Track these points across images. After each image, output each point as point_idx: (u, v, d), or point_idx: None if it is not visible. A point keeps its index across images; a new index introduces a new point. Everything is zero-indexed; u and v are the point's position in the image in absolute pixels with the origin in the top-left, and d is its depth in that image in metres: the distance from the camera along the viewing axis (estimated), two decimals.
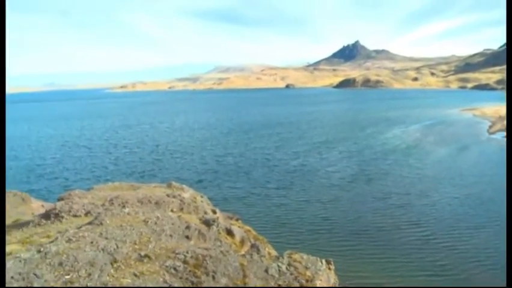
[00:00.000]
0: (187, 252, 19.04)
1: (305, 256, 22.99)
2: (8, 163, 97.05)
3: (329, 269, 23.67)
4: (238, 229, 24.94)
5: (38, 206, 38.11)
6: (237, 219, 31.80)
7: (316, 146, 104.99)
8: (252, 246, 23.35)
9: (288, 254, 22.82)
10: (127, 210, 24.34)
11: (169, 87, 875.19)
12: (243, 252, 22.49)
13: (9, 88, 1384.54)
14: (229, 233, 23.63)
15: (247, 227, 29.09)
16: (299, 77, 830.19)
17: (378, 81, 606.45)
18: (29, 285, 15.65)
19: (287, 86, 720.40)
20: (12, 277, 15.76)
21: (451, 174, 72.63)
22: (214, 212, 29.50)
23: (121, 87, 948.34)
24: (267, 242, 27.56)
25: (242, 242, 23.84)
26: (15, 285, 15.50)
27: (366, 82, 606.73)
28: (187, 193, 30.84)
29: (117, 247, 19.01)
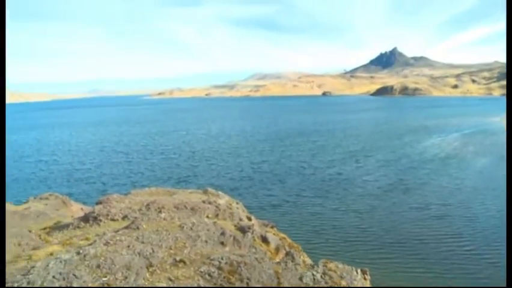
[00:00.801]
0: (222, 259, 19.12)
1: (340, 265, 22.72)
2: (49, 167, 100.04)
3: (365, 279, 23.34)
4: (273, 236, 24.90)
5: (77, 209, 39.05)
6: (272, 227, 31.72)
7: (352, 154, 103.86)
8: (287, 254, 23.27)
9: (323, 263, 22.60)
10: (163, 215, 24.66)
11: (206, 94, 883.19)
12: (277, 260, 22.43)
13: (55, 95, 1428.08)
14: (264, 240, 23.61)
15: (282, 235, 29.00)
16: (336, 84, 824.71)
17: (416, 89, 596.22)
18: (68, 285, 16.06)
19: (324, 94, 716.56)
20: (53, 276, 16.23)
21: (493, 185, 70.40)
22: (250, 219, 29.52)
23: (159, 93, 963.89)
24: (302, 250, 27.38)
25: (277, 249, 23.77)
26: (56, 285, 15.95)
27: (404, 90, 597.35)
28: (223, 199, 30.99)
29: (153, 251, 19.27)
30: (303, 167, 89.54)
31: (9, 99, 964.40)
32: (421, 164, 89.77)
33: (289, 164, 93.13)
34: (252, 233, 23.09)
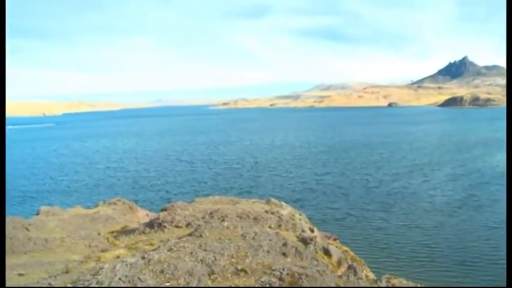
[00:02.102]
0: (283, 269, 18.96)
1: (404, 281, 21.99)
2: (117, 174, 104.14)
3: None
4: (335, 249, 24.48)
5: (143, 215, 40.23)
6: (334, 239, 31.24)
7: (419, 167, 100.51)
8: (349, 267, 22.79)
9: (387, 278, 21.96)
10: (226, 224, 24.87)
11: (270, 105, 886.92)
12: (339, 273, 22.02)
13: (122, 104, 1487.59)
14: (327, 252, 23.25)
15: (345, 248, 28.47)
16: (402, 95, 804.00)
17: (488, 100, 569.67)
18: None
19: (389, 105, 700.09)
20: (120, 278, 16.77)
21: None
22: (312, 231, 29.23)
23: (224, 103, 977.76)
24: (365, 265, 26.74)
25: (339, 262, 23.33)
26: (121, 286, 16.45)
27: (475, 100, 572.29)
28: (286, 210, 30.89)
29: (215, 259, 19.44)
30: (367, 179, 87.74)
31: (79, 109, 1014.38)
32: (493, 179, 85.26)
33: (353, 176, 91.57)
34: (314, 244, 22.81)
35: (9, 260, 25.24)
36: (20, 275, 22.17)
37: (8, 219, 34.78)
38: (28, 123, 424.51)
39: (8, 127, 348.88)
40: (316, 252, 22.41)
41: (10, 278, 21.94)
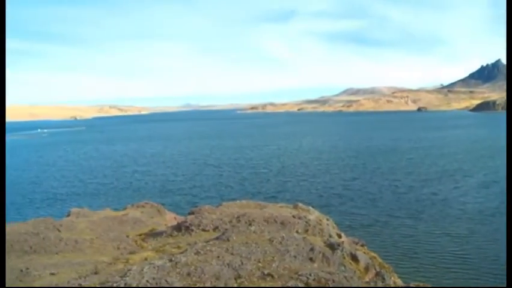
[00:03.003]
0: (310, 275, 18.86)
1: None
2: (144, 177, 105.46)
3: None
4: (363, 255, 24.19)
5: (171, 218, 40.57)
6: (362, 245, 30.89)
7: (449, 173, 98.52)
8: (377, 274, 22.51)
9: (415, 285, 21.58)
10: (253, 228, 24.87)
11: (298, 109, 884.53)
12: (367, 279, 21.78)
13: (152, 108, 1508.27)
14: (354, 258, 22.99)
15: (373, 254, 28.10)
16: (432, 99, 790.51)
17: None
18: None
19: (419, 109, 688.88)
20: (147, 281, 16.97)
21: None
22: (340, 236, 28.99)
23: (252, 108, 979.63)
24: (393, 271, 26.36)
25: (367, 268, 23.05)
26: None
27: None
28: (313, 215, 30.72)
29: (242, 263, 19.45)
30: (396, 185, 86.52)
31: (109, 113, 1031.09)
32: None
33: (381, 182, 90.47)
34: (342, 250, 22.58)
35: (42, 260, 25.82)
36: (52, 274, 22.64)
37: (40, 219, 35.59)
38: (59, 127, 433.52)
39: (38, 130, 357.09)
40: (344, 257, 22.19)
41: (42, 277, 22.43)
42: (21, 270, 23.27)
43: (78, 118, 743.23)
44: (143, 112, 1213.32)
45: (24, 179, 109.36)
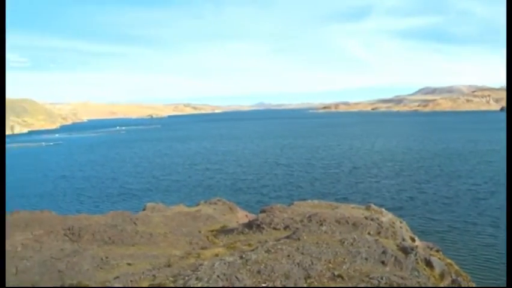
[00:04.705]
0: (382, 278, 18.43)
1: None
2: (216, 175, 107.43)
3: None
4: (438, 261, 23.26)
5: (242, 216, 41.07)
6: (437, 250, 29.71)
7: None
8: (453, 281, 21.60)
9: None
10: (324, 228, 24.66)
11: (372, 109, 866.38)
12: (441, 286, 20.92)
13: (225, 107, 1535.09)
14: (428, 263, 22.17)
15: (449, 260, 26.94)
16: None
17: None
18: (230, 286, 16.90)
19: (502, 109, 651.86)
20: (218, 276, 17.28)
21: None
22: (413, 240, 28.08)
23: (324, 107, 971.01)
24: (471, 281, 25.11)
25: (442, 275, 22.15)
26: (220, 285, 16.91)
27: None
28: (386, 217, 29.98)
29: (312, 263, 19.33)
30: (475, 190, 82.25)
31: (183, 111, 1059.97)
32: None
33: (458, 186, 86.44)
34: (415, 254, 21.82)
35: (119, 250, 27.06)
36: (128, 264, 23.67)
37: (118, 213, 37.30)
38: (136, 125, 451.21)
39: (117, 127, 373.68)
40: (418, 262, 21.45)
41: (120, 266, 23.49)
42: (102, 259, 24.57)
43: (154, 116, 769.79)
44: (216, 111, 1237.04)
45: (102, 174, 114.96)
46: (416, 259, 21.59)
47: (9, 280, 22.39)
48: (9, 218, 34.90)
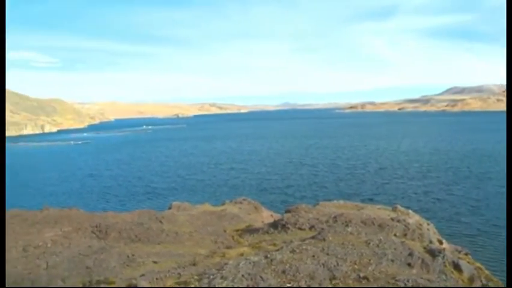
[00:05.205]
0: (408, 281, 18.18)
1: None
2: (240, 175, 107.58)
3: None
4: (467, 264, 22.83)
5: (267, 215, 41.09)
6: (466, 254, 29.16)
7: None
8: (483, 286, 21.13)
9: None
10: (349, 229, 24.48)
11: (399, 109, 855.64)
12: None
13: (251, 106, 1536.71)
14: (456, 267, 21.77)
15: (478, 265, 26.40)
16: None
17: None
18: (255, 286, 16.91)
19: None
20: (242, 275, 17.29)
21: None
22: (441, 243, 27.64)
23: (350, 107, 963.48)
24: (502, 286, 24.51)
25: (471, 279, 21.71)
26: (244, 284, 16.93)
27: None
28: (412, 219, 29.58)
29: (337, 264, 19.21)
30: (505, 192, 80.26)
31: (209, 111, 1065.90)
32: None
33: (488, 188, 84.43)
34: (443, 257, 21.44)
35: (145, 248, 27.39)
36: (154, 262, 23.93)
37: (145, 211, 37.75)
38: (162, 124, 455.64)
39: (144, 127, 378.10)
40: (445, 266, 21.07)
41: (146, 264, 23.76)
42: (128, 256, 24.91)
43: (180, 116, 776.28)
44: (242, 110, 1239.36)
45: (129, 173, 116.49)
46: (444, 262, 21.22)
47: (40, 274, 22.89)
48: (39, 214, 35.67)
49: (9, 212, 36.69)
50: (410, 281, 18.16)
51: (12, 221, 33.68)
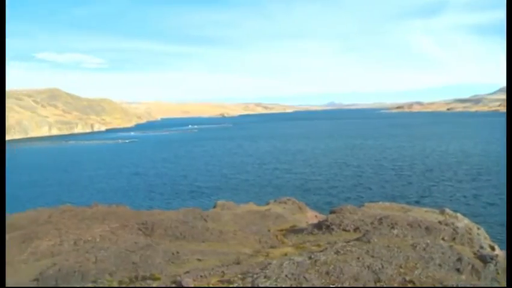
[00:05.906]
0: (457, 287, 17.61)
1: None
2: (284, 175, 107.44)
3: None
4: None
5: (312, 216, 40.86)
6: None
7: None
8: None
9: None
10: (395, 231, 24.03)
11: (448, 109, 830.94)
12: None
13: (297, 106, 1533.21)
14: None
15: None
16: None
17: None
18: (298, 286, 16.84)
19: None
20: (286, 275, 17.25)
21: None
22: (493, 249, 26.66)
23: (397, 107, 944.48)
24: None
25: None
26: (287, 284, 16.88)
27: None
28: (462, 222, 28.71)
29: (382, 267, 18.88)
30: None
31: (254, 111, 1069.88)
32: None
33: None
34: (496, 264, 20.65)
35: (190, 246, 27.79)
36: (198, 260, 24.22)
37: (189, 209, 38.31)
38: (208, 123, 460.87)
39: (189, 126, 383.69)
40: (498, 273, 20.29)
41: (190, 261, 24.09)
42: (173, 254, 25.34)
43: (225, 115, 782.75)
44: (287, 110, 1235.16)
45: (173, 172, 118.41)
46: (496, 269, 20.45)
47: (89, 268, 23.59)
48: (88, 210, 36.84)
49: (61, 208, 38.25)
50: (459, 286, 17.63)
51: (63, 216, 35.03)
